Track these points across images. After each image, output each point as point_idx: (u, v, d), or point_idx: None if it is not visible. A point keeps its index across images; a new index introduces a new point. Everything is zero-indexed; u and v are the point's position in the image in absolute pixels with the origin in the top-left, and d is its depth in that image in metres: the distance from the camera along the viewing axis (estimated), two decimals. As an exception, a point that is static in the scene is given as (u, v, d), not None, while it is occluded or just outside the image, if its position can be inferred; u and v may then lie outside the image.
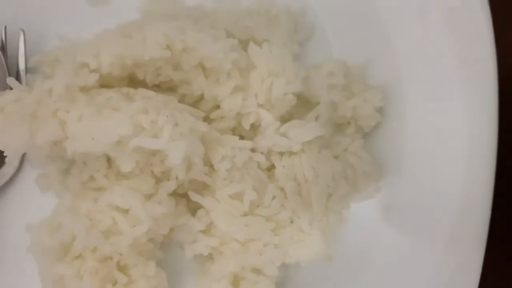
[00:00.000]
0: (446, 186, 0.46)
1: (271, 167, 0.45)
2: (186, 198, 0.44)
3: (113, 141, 0.39)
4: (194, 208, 0.44)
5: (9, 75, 0.46)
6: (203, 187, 0.44)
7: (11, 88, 0.42)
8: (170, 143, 0.39)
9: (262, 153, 0.45)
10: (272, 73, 0.44)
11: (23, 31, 0.47)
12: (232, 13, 0.48)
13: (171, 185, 0.42)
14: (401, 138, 0.48)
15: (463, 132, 0.47)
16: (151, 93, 0.43)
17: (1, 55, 0.46)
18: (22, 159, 0.47)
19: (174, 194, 0.44)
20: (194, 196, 0.43)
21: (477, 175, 0.46)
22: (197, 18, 0.48)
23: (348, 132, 0.48)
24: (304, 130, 0.44)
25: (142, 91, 0.43)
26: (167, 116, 0.39)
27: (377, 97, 0.48)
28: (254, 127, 0.45)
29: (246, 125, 0.44)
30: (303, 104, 0.48)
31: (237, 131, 0.46)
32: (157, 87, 0.46)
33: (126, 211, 0.41)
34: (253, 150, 0.45)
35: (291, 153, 0.45)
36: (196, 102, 0.46)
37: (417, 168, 0.47)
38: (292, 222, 0.44)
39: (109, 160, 0.43)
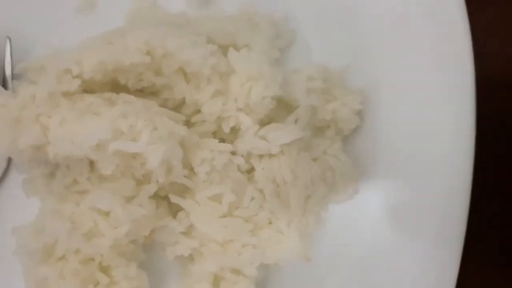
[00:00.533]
0: (427, 186, 0.47)
1: (251, 170, 0.46)
2: (167, 201, 0.45)
3: (93, 145, 0.40)
4: (175, 210, 0.45)
5: (-5, 82, 0.47)
6: (184, 190, 0.45)
7: (-4, 94, 0.43)
8: (149, 146, 0.40)
9: (242, 156, 0.45)
10: (251, 78, 0.44)
11: (9, 38, 0.49)
12: (214, 20, 0.49)
13: (151, 188, 0.43)
14: (381, 140, 0.49)
15: (442, 134, 0.48)
16: (132, 98, 0.44)
17: (-13, 62, 0.48)
18: (9, 163, 0.48)
19: (155, 196, 0.45)
20: (174, 199, 0.44)
21: (457, 176, 0.47)
22: (180, 24, 0.49)
23: (328, 135, 0.49)
24: (282, 133, 0.45)
25: (123, 96, 0.44)
26: (145, 120, 0.40)
27: (356, 100, 0.48)
28: (235, 130, 0.46)
29: (226, 129, 0.45)
30: (284, 108, 0.48)
31: (218, 135, 0.47)
32: (141, 92, 0.47)
33: (107, 214, 0.42)
34: (233, 153, 0.46)
35: (270, 156, 0.46)
36: (178, 107, 0.47)
37: (397, 170, 0.48)
38: (270, 223, 0.45)
39: (91, 163, 0.44)
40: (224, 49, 0.47)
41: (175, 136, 0.42)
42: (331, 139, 0.49)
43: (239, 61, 0.45)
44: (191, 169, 0.44)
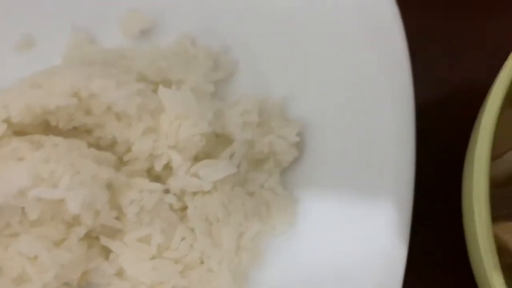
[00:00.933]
0: (368, 217, 0.47)
1: (185, 208, 0.46)
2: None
3: (14, 192, 0.40)
4: (109, 251, 0.45)
5: None
6: (115, 231, 0.44)
7: None
8: (68, 192, 0.40)
9: (174, 194, 0.45)
10: (179, 116, 0.44)
11: None
12: (148, 55, 0.49)
13: (81, 230, 0.43)
14: (322, 171, 0.49)
15: (384, 163, 0.47)
16: (59, 140, 0.44)
17: None
18: None
19: (87, 237, 0.44)
20: (104, 241, 0.44)
21: (398, 204, 0.46)
22: (113, 61, 0.49)
23: (266, 167, 0.48)
24: (214, 169, 0.45)
25: (51, 138, 0.44)
26: (64, 166, 0.40)
27: (293, 132, 0.48)
28: (170, 167, 0.46)
29: (158, 167, 0.45)
30: (222, 141, 0.48)
31: (153, 172, 0.46)
32: (75, 130, 0.47)
33: (35, 258, 0.42)
34: (167, 191, 0.46)
35: (203, 193, 0.45)
36: (111, 145, 0.47)
37: (338, 201, 0.48)
38: (202, 263, 0.44)
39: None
40: (157, 86, 0.47)
41: (99, 180, 0.42)
42: (269, 171, 0.48)
43: (168, 98, 0.45)
44: (121, 210, 0.44)
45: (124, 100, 0.43)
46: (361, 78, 0.50)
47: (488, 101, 0.34)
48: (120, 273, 0.44)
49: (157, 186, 0.44)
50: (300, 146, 0.49)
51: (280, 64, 0.52)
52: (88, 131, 0.47)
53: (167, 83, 0.47)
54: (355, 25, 0.50)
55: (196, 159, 0.47)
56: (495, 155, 0.41)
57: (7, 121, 0.43)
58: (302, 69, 0.51)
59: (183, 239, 0.44)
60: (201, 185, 0.44)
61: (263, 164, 0.49)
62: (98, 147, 0.47)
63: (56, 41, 0.52)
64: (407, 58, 0.49)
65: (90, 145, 0.46)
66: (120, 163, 0.46)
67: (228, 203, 0.45)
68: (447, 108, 0.55)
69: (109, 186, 0.43)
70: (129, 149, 0.46)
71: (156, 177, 0.46)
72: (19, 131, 0.45)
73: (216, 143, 0.48)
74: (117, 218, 0.44)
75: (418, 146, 0.48)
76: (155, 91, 0.46)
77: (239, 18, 0.52)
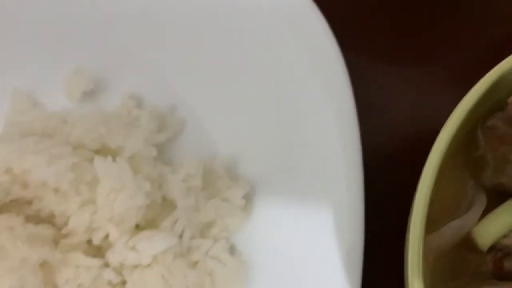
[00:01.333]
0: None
1: (125, 282, 0.44)
2: (39, 319, 0.44)
3: None
4: (48, 328, 0.44)
5: None
6: (54, 308, 0.43)
7: None
8: (-6, 280, 0.39)
9: (114, 268, 0.44)
10: (115, 188, 0.43)
11: None
12: (89, 120, 0.48)
13: (17, 310, 0.42)
14: (271, 233, 0.47)
15: (340, 219, 0.46)
16: (-8, 218, 0.43)
17: None
18: None
19: (27, 315, 0.43)
20: (40, 320, 0.43)
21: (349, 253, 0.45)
22: (53, 129, 0.47)
23: (213, 232, 0.47)
24: (154, 241, 0.43)
25: (-17, 216, 0.43)
26: (-10, 253, 0.39)
27: (239, 194, 0.47)
28: (109, 239, 0.45)
29: (96, 240, 0.44)
30: (168, 205, 0.47)
31: (94, 243, 0.45)
32: (15, 202, 0.46)
33: None
34: (107, 264, 0.44)
35: (144, 266, 0.44)
36: (51, 217, 0.45)
37: (287, 267, 0.46)
38: None
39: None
40: (97, 153, 0.46)
41: (30, 262, 0.41)
42: (215, 237, 0.47)
43: (103, 170, 0.43)
44: (58, 288, 0.43)
45: (56, 176, 0.42)
46: (310, 131, 0.48)
47: (420, 185, 0.33)
48: None
49: (94, 262, 0.43)
50: (248, 207, 0.48)
51: (227, 122, 0.50)
52: (28, 203, 0.46)
53: (106, 151, 0.46)
54: (302, 75, 0.49)
55: (138, 227, 0.45)
56: (439, 224, 0.40)
57: None
58: (250, 125, 0.50)
59: (121, 317, 0.42)
60: (139, 258, 0.43)
61: (209, 229, 0.47)
62: (38, 218, 0.46)
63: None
64: (354, 106, 0.47)
65: (29, 217, 0.45)
66: (59, 235, 0.45)
67: (168, 276, 0.43)
68: (402, 154, 0.53)
69: (44, 264, 0.42)
70: (67, 222, 0.45)
71: (97, 249, 0.45)
72: (-44, 207, 0.44)
73: (160, 208, 0.47)
74: (56, 296, 0.43)
75: (367, 199, 0.46)
76: (93, 159, 0.45)
77: (186, 76, 0.51)
